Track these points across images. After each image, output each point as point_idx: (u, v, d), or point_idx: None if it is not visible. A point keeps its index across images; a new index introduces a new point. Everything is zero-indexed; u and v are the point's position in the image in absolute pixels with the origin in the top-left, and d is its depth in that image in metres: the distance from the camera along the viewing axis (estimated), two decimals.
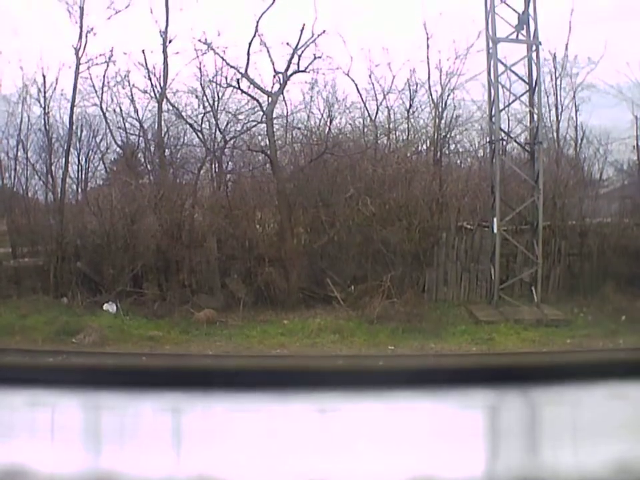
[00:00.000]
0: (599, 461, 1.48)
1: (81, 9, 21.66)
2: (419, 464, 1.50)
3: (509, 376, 1.78)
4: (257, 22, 20.61)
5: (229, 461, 1.52)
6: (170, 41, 21.13)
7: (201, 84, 21.50)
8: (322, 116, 22.55)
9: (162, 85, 21.39)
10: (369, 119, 23.27)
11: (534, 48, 18.62)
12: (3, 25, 28.93)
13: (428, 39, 23.50)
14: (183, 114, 21.89)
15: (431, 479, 1.44)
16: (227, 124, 21.55)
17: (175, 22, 21.48)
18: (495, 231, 18.11)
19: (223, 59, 20.89)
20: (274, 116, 20.89)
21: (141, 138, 22.99)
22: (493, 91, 18.71)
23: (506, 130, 20.61)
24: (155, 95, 21.55)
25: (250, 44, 20.56)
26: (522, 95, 19.28)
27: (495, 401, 1.72)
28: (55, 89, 22.49)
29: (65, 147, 22.55)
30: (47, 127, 22.55)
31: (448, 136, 23.08)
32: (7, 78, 27.04)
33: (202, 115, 21.72)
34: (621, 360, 2.19)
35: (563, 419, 1.70)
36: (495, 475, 1.49)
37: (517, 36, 18.77)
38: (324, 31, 20.57)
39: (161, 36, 21.07)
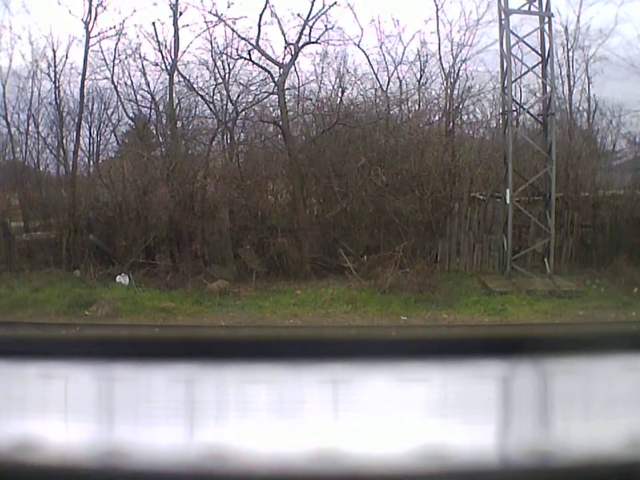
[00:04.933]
0: (610, 434, 1.49)
1: None
2: (430, 434, 1.50)
3: (521, 347, 1.78)
4: None
5: (241, 431, 1.53)
6: (180, 14, 21.06)
7: (212, 56, 21.46)
8: (333, 87, 22.48)
9: (173, 57, 21.33)
10: (380, 90, 23.18)
11: (546, 19, 18.53)
12: (12, 0, 28.83)
13: (437, 10, 23.51)
14: (195, 86, 21.87)
15: (442, 447, 1.45)
16: (239, 95, 21.54)
17: None
18: (508, 201, 18.10)
19: (234, 31, 20.85)
20: (285, 87, 20.85)
21: (152, 110, 23.02)
22: (505, 63, 18.62)
23: (519, 101, 20.55)
24: (166, 67, 21.50)
25: (261, 15, 20.54)
26: (534, 66, 19.15)
27: (506, 372, 1.72)
28: (65, 63, 22.48)
29: (76, 120, 22.58)
30: (58, 100, 22.61)
31: (460, 107, 22.99)
32: (17, 53, 27.04)
33: (213, 86, 21.69)
34: (634, 332, 2.19)
35: (574, 390, 1.70)
36: (505, 445, 1.50)
37: (529, 7, 18.67)
38: (335, 2, 20.51)
39: (171, 8, 21.00)
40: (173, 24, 21.18)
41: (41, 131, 23.21)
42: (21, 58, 25.91)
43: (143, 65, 21.99)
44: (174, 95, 21.75)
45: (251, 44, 20.83)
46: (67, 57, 22.50)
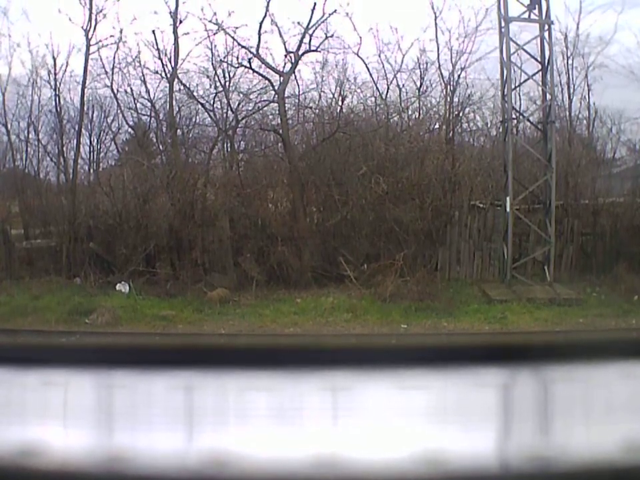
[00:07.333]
0: (610, 440, 1.49)
1: None
2: (429, 440, 1.50)
3: (521, 355, 1.79)
4: (268, 1, 20.63)
5: (241, 438, 1.53)
6: (180, 22, 21.11)
7: (212, 64, 21.52)
8: (333, 95, 22.53)
9: (173, 65, 21.38)
10: (380, 98, 23.23)
11: (546, 27, 18.55)
12: (12, 8, 28.91)
13: (436, 17, 23.61)
14: (195, 94, 21.92)
15: (442, 454, 1.45)
16: (239, 104, 21.58)
17: (185, 2, 21.46)
18: (508, 209, 18.11)
19: (234, 39, 20.92)
20: (285, 95, 20.89)
21: (152, 118, 23.06)
22: (505, 70, 18.64)
23: (519, 109, 20.57)
24: (166, 75, 21.56)
25: (261, 24, 20.62)
26: (534, 74, 19.20)
27: (506, 379, 1.73)
28: (65, 70, 22.56)
29: (77, 128, 22.62)
30: (58, 108, 22.66)
31: (460, 115, 23.03)
32: (17, 60, 27.10)
33: (213, 94, 21.75)
34: (634, 339, 2.19)
35: (574, 398, 1.70)
36: (505, 451, 1.50)
37: (529, 15, 18.70)
38: (335, 10, 20.60)
39: (171, 16, 21.05)
40: (173, 32, 21.26)
41: (41, 139, 23.28)
42: (21, 66, 25.95)
43: (143, 73, 22.08)
44: (174, 103, 21.81)
45: (251, 52, 20.90)
46: (67, 65, 22.62)
